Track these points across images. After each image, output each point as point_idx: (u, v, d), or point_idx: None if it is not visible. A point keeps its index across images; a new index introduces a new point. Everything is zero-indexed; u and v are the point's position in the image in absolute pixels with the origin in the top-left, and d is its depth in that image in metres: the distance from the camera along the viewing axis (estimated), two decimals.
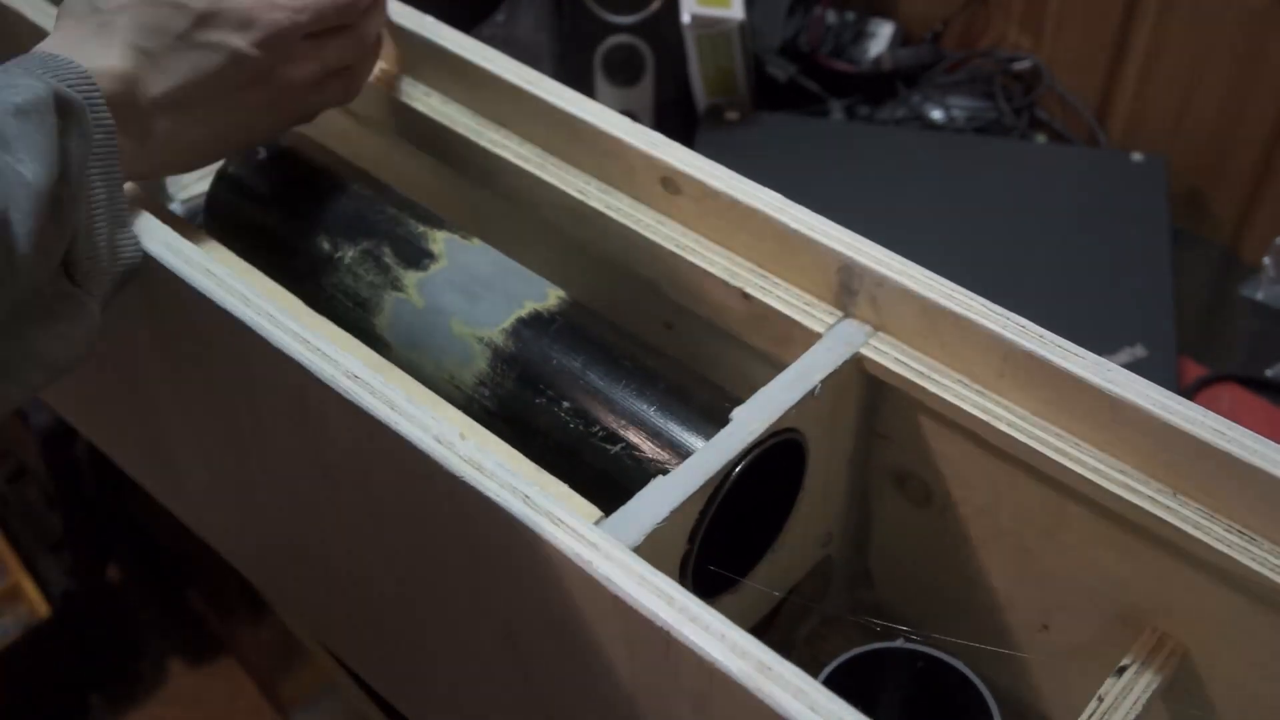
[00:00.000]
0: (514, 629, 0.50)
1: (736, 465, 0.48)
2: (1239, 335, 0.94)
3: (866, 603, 0.67)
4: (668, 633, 0.40)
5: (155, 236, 0.54)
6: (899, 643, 0.57)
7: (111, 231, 0.50)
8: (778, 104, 1.11)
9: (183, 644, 1.56)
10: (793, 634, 0.64)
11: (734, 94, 1.07)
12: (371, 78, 0.67)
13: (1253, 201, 1.01)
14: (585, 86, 1.08)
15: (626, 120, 0.59)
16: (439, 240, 0.58)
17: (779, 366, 0.52)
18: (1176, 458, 0.46)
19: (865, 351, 0.53)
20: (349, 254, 0.58)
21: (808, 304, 0.55)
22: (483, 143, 0.63)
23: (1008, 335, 0.49)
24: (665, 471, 0.47)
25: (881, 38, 1.16)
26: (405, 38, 0.65)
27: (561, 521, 0.43)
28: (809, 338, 0.54)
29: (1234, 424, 0.46)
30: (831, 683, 0.54)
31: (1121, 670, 0.50)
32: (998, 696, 0.54)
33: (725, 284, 0.56)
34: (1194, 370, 0.89)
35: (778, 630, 0.63)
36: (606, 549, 0.42)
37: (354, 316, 0.56)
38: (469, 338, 0.54)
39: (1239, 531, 0.46)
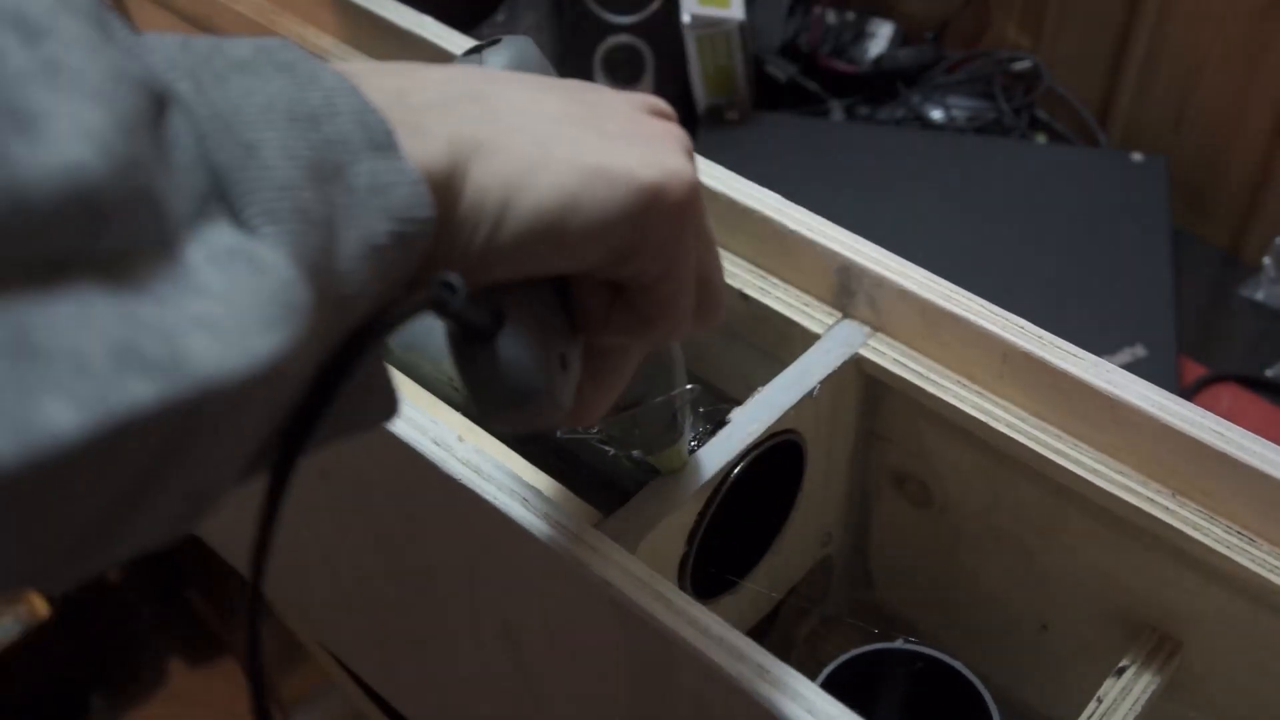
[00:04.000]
0: (513, 631, 0.50)
1: (735, 467, 0.48)
2: (1239, 335, 0.94)
3: (866, 603, 0.67)
4: (666, 636, 0.40)
5: None
6: (898, 643, 0.57)
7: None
8: (778, 104, 1.11)
9: (183, 644, 1.56)
10: (793, 633, 0.64)
11: (734, 94, 1.07)
12: None
13: (1253, 201, 1.01)
14: None
15: None
16: None
17: (778, 367, 0.52)
18: (1175, 459, 0.46)
19: (864, 352, 0.53)
20: None
21: (806, 305, 0.55)
22: None
23: (1007, 336, 0.49)
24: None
25: (881, 38, 1.16)
26: (403, 38, 0.65)
27: (560, 524, 0.43)
28: (808, 338, 0.53)
29: (1233, 425, 0.46)
30: (831, 683, 0.54)
31: (1121, 671, 0.50)
32: (997, 697, 0.54)
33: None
34: (1194, 370, 0.89)
35: (778, 630, 0.63)
36: (605, 551, 0.42)
37: None
38: None
39: (1238, 533, 0.46)
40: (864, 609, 0.67)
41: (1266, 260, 0.97)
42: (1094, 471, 0.48)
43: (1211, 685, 0.51)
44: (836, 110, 1.11)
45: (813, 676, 0.53)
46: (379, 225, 0.28)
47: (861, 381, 0.54)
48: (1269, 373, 0.89)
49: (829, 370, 0.52)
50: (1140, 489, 0.47)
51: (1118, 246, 0.94)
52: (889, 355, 0.53)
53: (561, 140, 0.32)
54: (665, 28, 1.05)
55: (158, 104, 0.25)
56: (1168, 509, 0.47)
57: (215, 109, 0.26)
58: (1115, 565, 0.51)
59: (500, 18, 1.21)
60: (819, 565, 0.62)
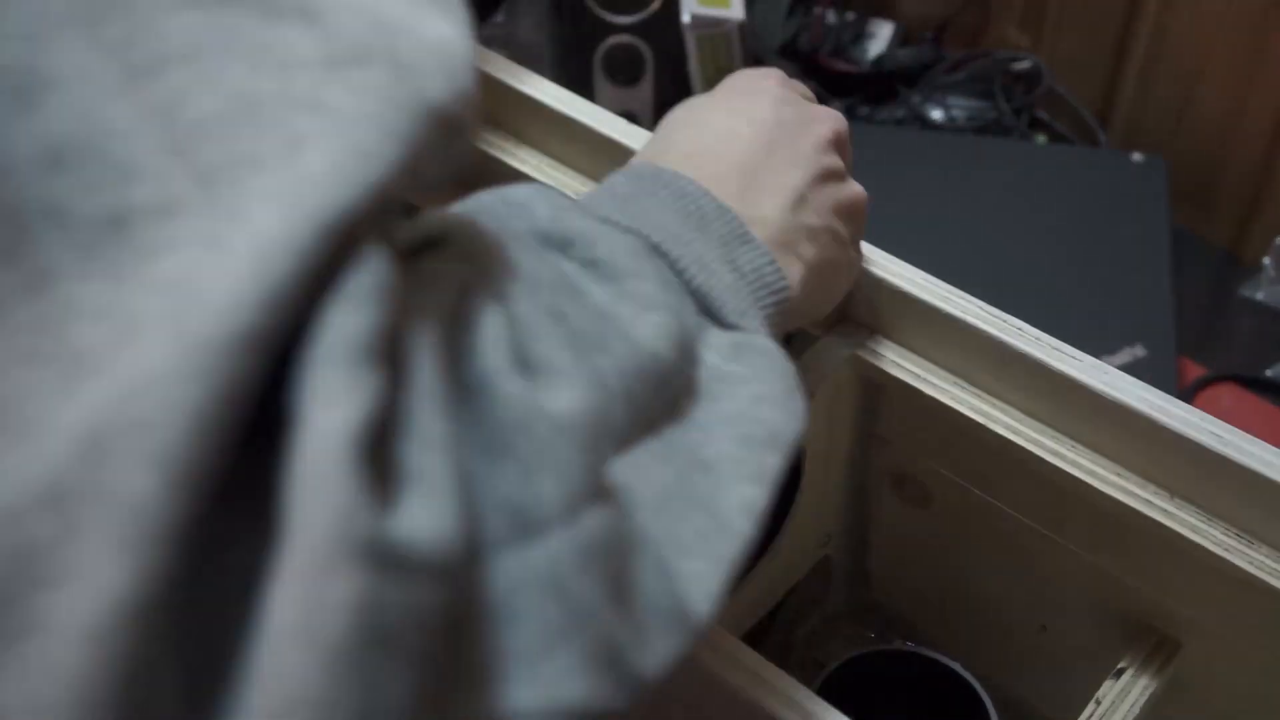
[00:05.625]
0: None
1: None
2: (1239, 335, 0.94)
3: (866, 603, 0.67)
4: None
5: None
6: (897, 644, 0.57)
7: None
8: None
9: None
10: (792, 635, 0.64)
11: None
12: None
13: (1253, 201, 1.01)
14: (585, 87, 1.08)
15: (622, 121, 0.59)
16: None
17: None
18: (1174, 461, 0.46)
19: (862, 354, 0.53)
20: None
21: None
22: (478, 144, 0.63)
23: (1004, 338, 0.49)
24: None
25: (881, 38, 1.16)
26: None
27: None
28: (805, 339, 0.53)
29: (1231, 427, 0.46)
30: (830, 684, 0.54)
31: (1119, 673, 0.50)
32: (995, 698, 0.54)
33: None
34: (1194, 370, 0.89)
35: (777, 631, 0.63)
36: None
37: None
38: None
39: (1236, 535, 0.46)
40: (863, 610, 0.67)
41: (1266, 260, 0.97)
42: (1092, 473, 0.48)
43: (1210, 687, 0.51)
44: (836, 110, 1.11)
45: (812, 678, 0.53)
46: (769, 302, 0.39)
47: (860, 383, 0.54)
48: (1269, 373, 0.89)
49: (827, 372, 0.52)
50: (1138, 491, 0.47)
51: (1118, 246, 0.94)
52: (887, 357, 0.52)
53: (845, 270, 0.47)
54: (665, 28, 1.05)
55: (651, 255, 0.35)
56: (1166, 511, 0.47)
57: (671, 240, 0.36)
58: (1114, 567, 0.51)
59: (500, 18, 1.21)
60: (818, 566, 0.62)
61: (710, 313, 0.36)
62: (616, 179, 0.40)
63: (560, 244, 0.33)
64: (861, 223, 0.49)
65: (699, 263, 0.37)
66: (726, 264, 0.38)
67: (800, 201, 0.44)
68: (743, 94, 0.47)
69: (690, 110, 0.48)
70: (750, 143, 0.44)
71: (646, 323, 0.32)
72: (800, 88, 0.51)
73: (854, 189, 0.48)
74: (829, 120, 0.48)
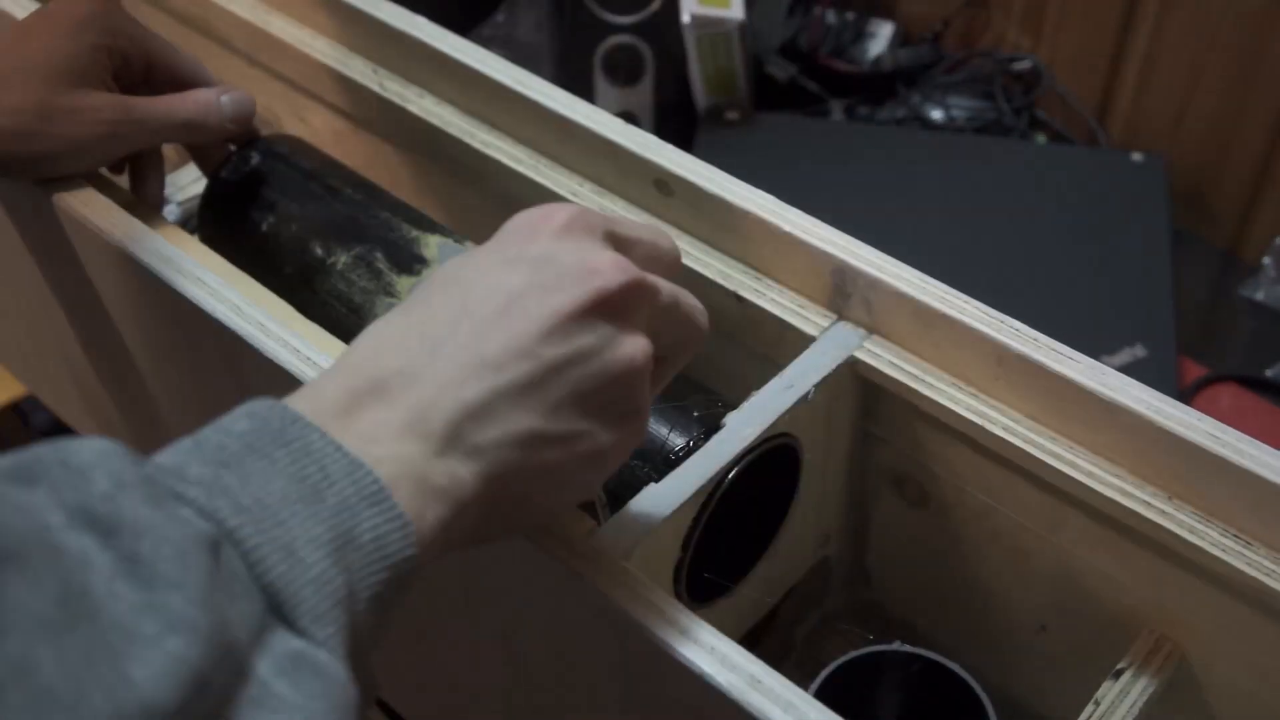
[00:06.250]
0: (511, 640, 0.50)
1: (730, 471, 0.48)
2: (1239, 335, 0.94)
3: (865, 603, 0.67)
4: (659, 646, 0.40)
5: (146, 245, 0.54)
6: (896, 645, 0.56)
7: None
8: (778, 104, 1.11)
9: None
10: (791, 635, 0.64)
11: (734, 94, 1.07)
12: (363, 79, 0.67)
13: (1253, 201, 1.01)
14: (585, 87, 1.08)
15: (619, 121, 0.59)
16: (431, 245, 0.57)
17: (773, 370, 0.52)
18: (1172, 462, 0.46)
19: (859, 355, 0.52)
20: (342, 259, 0.57)
21: (801, 307, 0.54)
22: (475, 144, 0.62)
23: (1001, 338, 0.49)
24: (658, 479, 0.47)
25: (881, 38, 1.16)
26: (397, 38, 0.65)
27: (552, 533, 0.43)
28: (803, 341, 0.53)
29: (1229, 428, 0.45)
30: (828, 686, 0.54)
31: (1118, 673, 0.50)
32: (994, 698, 0.54)
33: (719, 287, 0.56)
34: (1194, 370, 0.89)
35: (776, 632, 0.63)
36: (597, 560, 0.42)
37: (348, 323, 0.56)
38: None
39: (1234, 536, 0.46)
40: (862, 609, 0.66)
41: (1266, 260, 0.97)
42: (1090, 474, 0.48)
43: (1209, 688, 0.51)
44: (836, 110, 1.11)
45: (812, 678, 0.53)
46: (382, 575, 0.32)
47: (857, 384, 0.54)
48: (1269, 373, 0.89)
49: (824, 373, 0.51)
50: (1136, 492, 0.47)
51: (1118, 246, 0.93)
52: (884, 358, 0.52)
53: (567, 473, 0.38)
54: (665, 28, 1.05)
55: (215, 548, 0.29)
56: (1164, 512, 0.47)
57: (255, 524, 0.30)
58: (1112, 567, 0.51)
59: (500, 18, 1.21)
60: (817, 566, 0.62)
61: (282, 613, 0.30)
62: (238, 422, 0.33)
63: (106, 529, 0.27)
64: (628, 395, 0.38)
65: (284, 550, 0.31)
66: (329, 544, 0.31)
67: (482, 415, 0.36)
68: (504, 254, 0.39)
69: (426, 289, 0.39)
70: (450, 345, 0.36)
71: (156, 658, 0.26)
72: (623, 225, 0.41)
73: (609, 363, 0.38)
74: (596, 279, 0.37)
